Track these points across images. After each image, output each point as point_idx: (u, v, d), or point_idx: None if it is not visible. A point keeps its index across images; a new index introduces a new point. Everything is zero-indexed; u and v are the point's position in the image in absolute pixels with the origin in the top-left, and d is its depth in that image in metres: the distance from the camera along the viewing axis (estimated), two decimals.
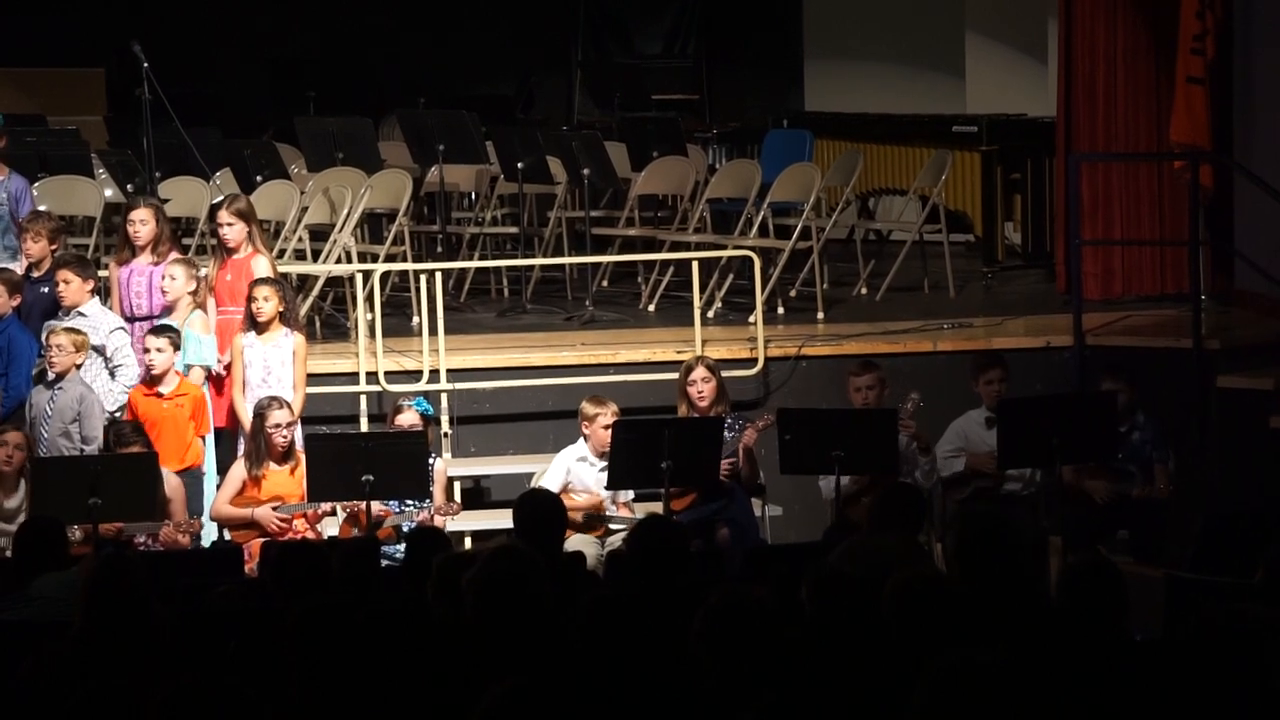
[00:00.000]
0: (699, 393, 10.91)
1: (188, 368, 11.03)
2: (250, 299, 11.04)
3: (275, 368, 11.05)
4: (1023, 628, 6.44)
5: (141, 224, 11.37)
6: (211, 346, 11.12)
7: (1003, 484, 10.92)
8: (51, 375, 10.68)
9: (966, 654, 5.35)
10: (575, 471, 10.79)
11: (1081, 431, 10.49)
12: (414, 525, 10.18)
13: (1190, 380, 11.86)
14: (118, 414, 10.75)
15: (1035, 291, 14.41)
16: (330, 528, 10.63)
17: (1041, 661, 6.19)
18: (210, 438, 11.11)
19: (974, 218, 15.03)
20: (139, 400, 10.79)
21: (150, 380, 10.81)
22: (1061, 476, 10.61)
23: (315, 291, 13.19)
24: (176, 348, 10.82)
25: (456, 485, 11.62)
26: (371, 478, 10.08)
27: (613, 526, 10.64)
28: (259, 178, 13.84)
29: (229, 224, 11.37)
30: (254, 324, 11.06)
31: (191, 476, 10.70)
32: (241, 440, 10.90)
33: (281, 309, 11.07)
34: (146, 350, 10.79)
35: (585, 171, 14.04)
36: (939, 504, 10.98)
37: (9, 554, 9.05)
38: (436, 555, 7.12)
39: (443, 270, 12.74)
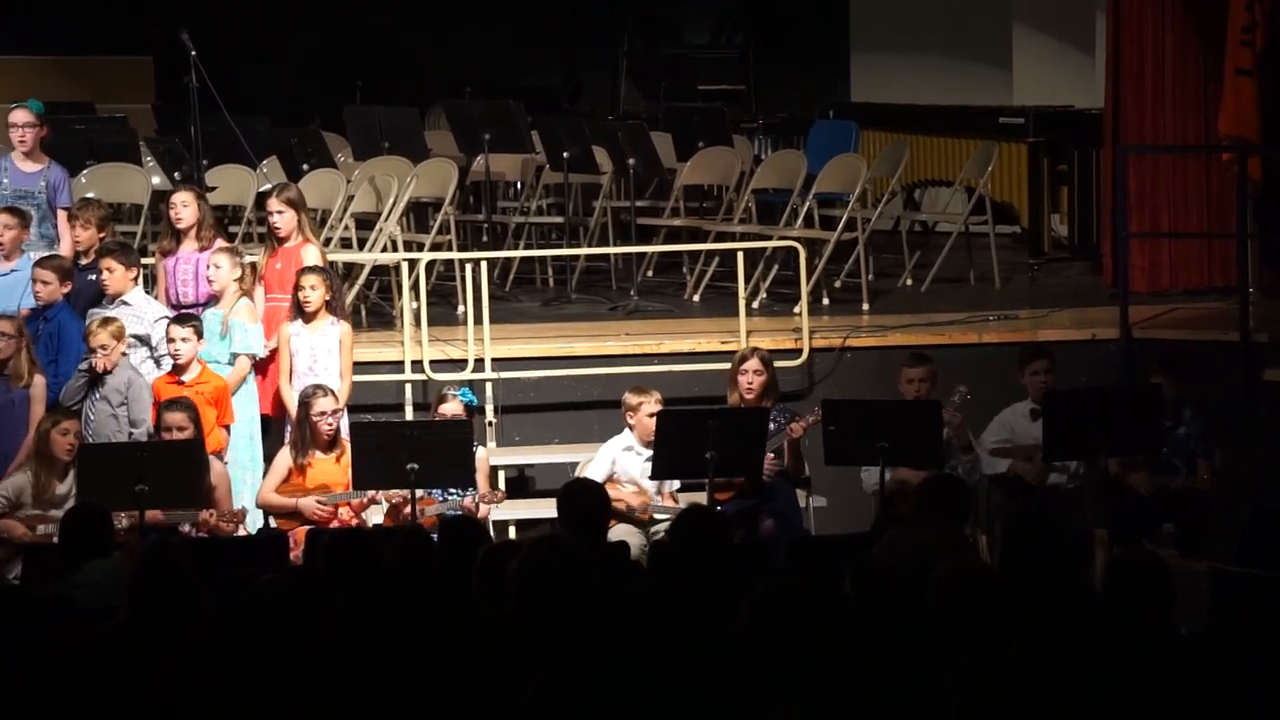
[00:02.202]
0: (748, 383, 10.91)
1: (234, 356, 11.07)
2: (297, 287, 11.07)
3: (321, 356, 11.07)
4: (1068, 622, 6.42)
5: (183, 207, 11.40)
6: (258, 334, 11.16)
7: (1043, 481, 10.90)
8: (100, 369, 10.66)
9: (984, 653, 5.34)
10: (621, 461, 10.80)
11: (1127, 424, 10.46)
12: (455, 514, 10.21)
13: (1237, 374, 11.81)
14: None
15: (1081, 284, 14.36)
16: (375, 516, 10.65)
17: (1086, 655, 6.18)
18: (258, 427, 11.15)
19: (1020, 209, 14.99)
20: (161, 388, 10.80)
21: (174, 368, 10.84)
22: (1106, 469, 10.58)
23: (361, 280, 13.22)
24: (200, 336, 10.84)
25: (501, 474, 11.65)
26: (416, 466, 10.09)
27: (657, 516, 10.64)
28: (306, 166, 13.88)
29: (279, 212, 11.40)
30: (300, 312, 11.09)
31: None
32: (288, 428, 10.93)
33: (328, 298, 11.10)
34: (171, 340, 10.81)
35: (631, 161, 14.04)
36: (984, 497, 10.95)
37: (55, 540, 9.11)
38: (480, 545, 7.13)
39: (488, 259, 12.75)
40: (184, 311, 11.06)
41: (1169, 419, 10.88)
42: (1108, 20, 14.03)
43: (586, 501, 8.13)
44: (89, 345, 10.72)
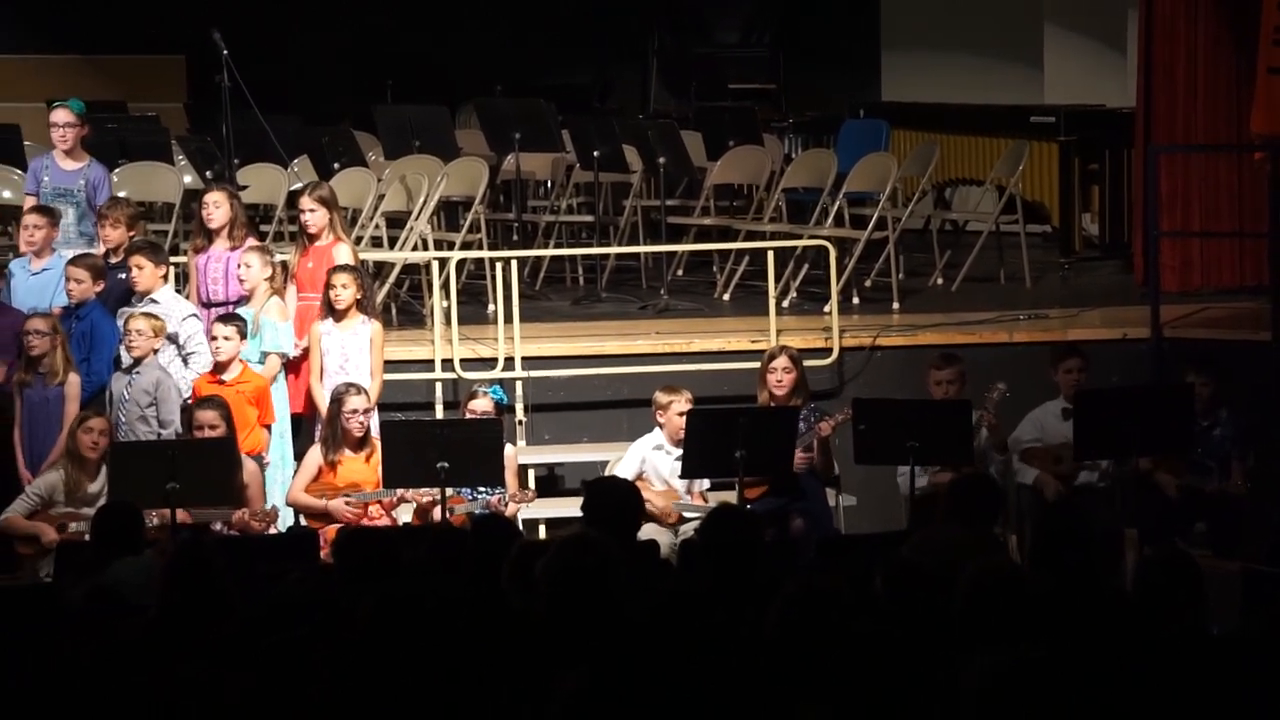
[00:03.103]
0: (777, 381, 10.92)
1: (264, 355, 11.08)
2: (328, 286, 11.08)
3: (353, 355, 11.09)
4: (1097, 621, 6.41)
5: (215, 207, 11.42)
6: (288, 333, 11.18)
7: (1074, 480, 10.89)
8: (129, 360, 10.75)
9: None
10: (651, 460, 10.80)
11: (1158, 424, 10.43)
12: (484, 512, 10.21)
13: (1268, 373, 11.77)
14: (189, 400, 10.80)
15: (1112, 283, 14.34)
16: (405, 514, 10.67)
17: (1115, 655, 6.17)
18: (288, 425, 11.17)
19: (1051, 208, 14.97)
20: (202, 386, 10.84)
21: (215, 367, 10.87)
22: (1137, 469, 10.55)
23: (392, 279, 13.24)
24: (244, 336, 10.87)
25: (531, 473, 11.66)
26: (446, 464, 10.10)
27: (687, 515, 10.64)
28: (336, 165, 13.91)
29: (311, 210, 11.42)
30: (332, 311, 11.11)
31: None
32: (318, 427, 10.95)
33: (359, 297, 11.11)
34: (214, 338, 10.84)
35: (661, 160, 14.05)
36: (1014, 495, 10.94)
37: (87, 537, 9.14)
38: (511, 543, 7.14)
39: (518, 258, 12.77)
40: (229, 311, 11.06)
41: (1204, 419, 10.86)
42: (1140, 19, 13.99)
43: (613, 499, 8.12)
44: (124, 329, 10.75)
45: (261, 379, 10.94)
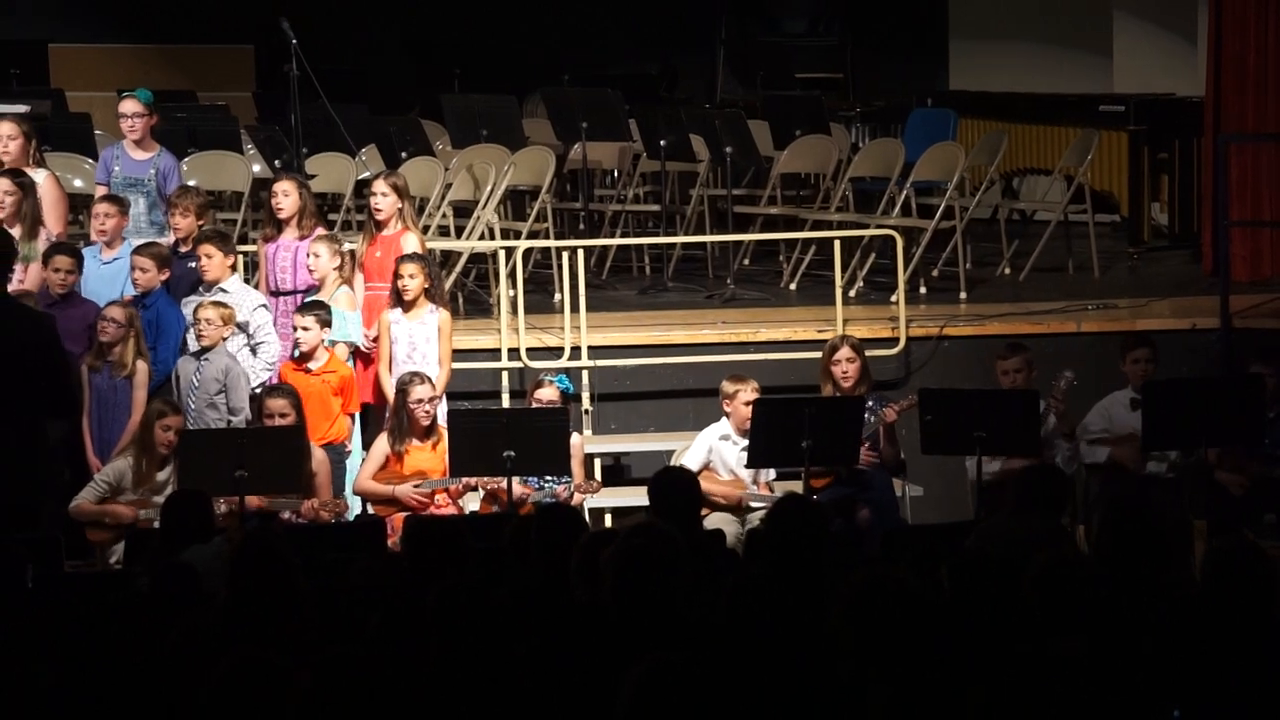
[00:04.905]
0: (843, 372, 10.88)
1: (333, 344, 11.12)
2: (396, 276, 11.11)
3: (420, 344, 11.12)
4: (1167, 612, 6.39)
5: (284, 195, 11.46)
6: (357, 323, 11.21)
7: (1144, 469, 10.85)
8: (197, 347, 10.79)
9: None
10: (717, 450, 10.80)
11: (1228, 415, 10.38)
12: (550, 501, 10.23)
13: None
14: (259, 390, 10.84)
15: (1181, 273, 14.27)
16: (472, 503, 10.70)
17: (1184, 646, 6.15)
18: (356, 415, 11.20)
19: (1120, 198, 14.90)
20: (288, 375, 10.89)
21: (300, 356, 10.91)
22: (1206, 460, 10.50)
23: (459, 268, 13.27)
24: (325, 325, 10.90)
25: (597, 462, 11.67)
26: (513, 454, 10.12)
27: (753, 505, 10.64)
28: (404, 154, 13.93)
29: (383, 194, 11.43)
30: (400, 300, 11.14)
31: (333, 452, 10.78)
32: (386, 416, 10.98)
33: (427, 286, 11.14)
34: (295, 328, 10.89)
35: (728, 150, 14.03)
36: (1082, 486, 10.90)
37: (156, 525, 9.19)
38: (578, 533, 7.15)
39: (585, 247, 12.78)
40: (310, 300, 11.10)
41: (1270, 409, 10.79)
42: (1209, 7, 13.92)
43: (677, 490, 8.13)
44: (194, 318, 10.80)
45: (347, 368, 10.99)
